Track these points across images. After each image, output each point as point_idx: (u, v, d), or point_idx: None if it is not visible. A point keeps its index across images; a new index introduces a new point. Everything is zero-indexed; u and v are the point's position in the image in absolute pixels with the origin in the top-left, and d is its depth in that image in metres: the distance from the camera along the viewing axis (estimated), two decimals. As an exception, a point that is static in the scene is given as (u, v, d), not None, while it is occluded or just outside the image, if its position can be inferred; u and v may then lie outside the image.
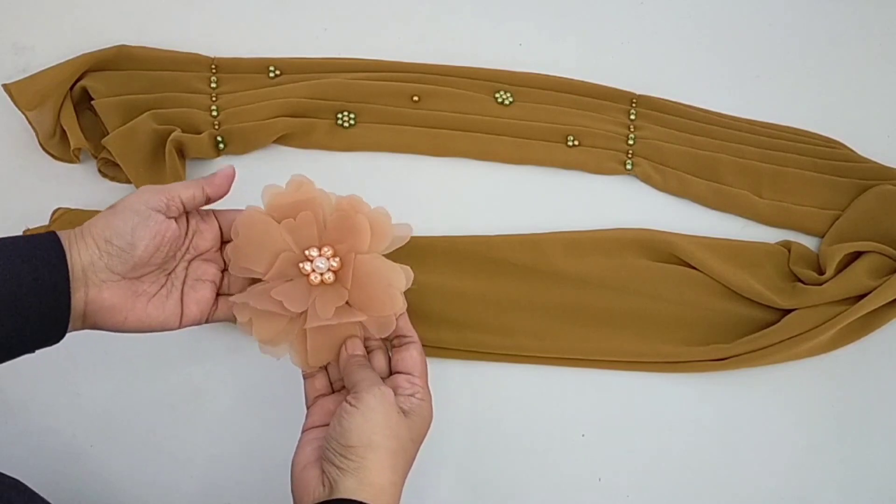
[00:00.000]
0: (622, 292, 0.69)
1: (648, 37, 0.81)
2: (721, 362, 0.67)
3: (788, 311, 0.68)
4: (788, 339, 0.66)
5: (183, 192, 0.50)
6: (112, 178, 0.72)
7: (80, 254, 0.46)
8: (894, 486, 0.66)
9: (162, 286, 0.50)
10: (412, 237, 0.55)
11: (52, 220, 0.69)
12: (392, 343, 0.55)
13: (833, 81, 0.79)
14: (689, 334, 0.69)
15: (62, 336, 0.48)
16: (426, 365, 0.53)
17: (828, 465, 0.66)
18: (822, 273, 0.69)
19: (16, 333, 0.44)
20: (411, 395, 0.51)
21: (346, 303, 0.51)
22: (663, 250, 0.71)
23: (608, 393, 0.68)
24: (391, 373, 0.54)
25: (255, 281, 0.52)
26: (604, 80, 0.77)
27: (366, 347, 0.54)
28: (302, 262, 0.50)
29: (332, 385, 0.54)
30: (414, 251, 0.67)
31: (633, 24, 0.81)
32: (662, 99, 0.77)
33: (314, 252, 0.50)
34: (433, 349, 0.67)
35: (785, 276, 0.70)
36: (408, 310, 0.55)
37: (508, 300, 0.69)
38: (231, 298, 0.51)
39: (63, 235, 0.46)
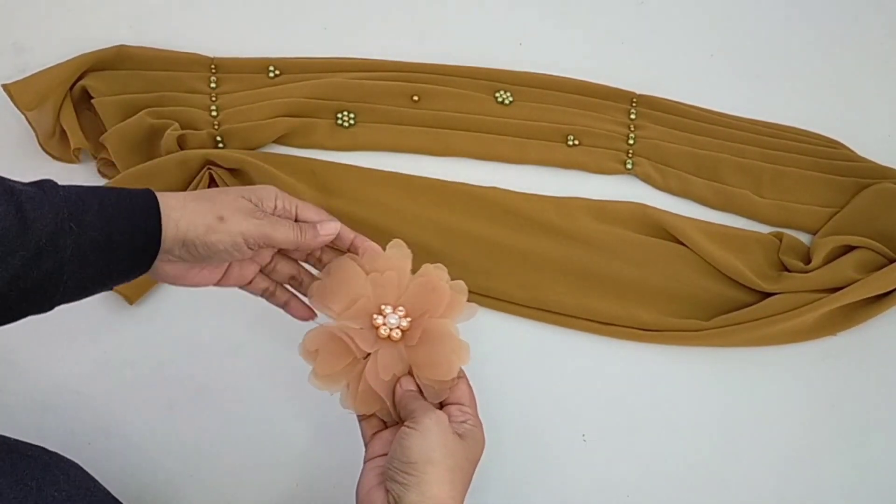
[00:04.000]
0: (608, 256, 0.70)
1: (648, 37, 0.81)
2: (696, 334, 0.67)
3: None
4: (765, 317, 0.66)
5: (280, 239, 0.53)
6: (112, 178, 0.72)
7: (166, 239, 0.49)
8: (888, 476, 0.66)
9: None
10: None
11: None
12: None
13: (833, 81, 0.79)
14: (669, 305, 0.69)
15: (131, 280, 0.51)
16: (475, 396, 0.56)
17: (826, 457, 0.66)
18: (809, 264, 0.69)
19: (100, 272, 0.48)
20: (463, 422, 0.53)
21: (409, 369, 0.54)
22: (656, 225, 0.71)
23: (604, 373, 0.68)
24: (442, 406, 0.56)
25: None
26: (604, 80, 0.77)
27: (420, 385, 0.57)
28: (376, 314, 0.53)
29: (386, 423, 0.56)
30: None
31: (633, 24, 0.81)
32: (663, 98, 0.77)
33: (388, 309, 0.53)
34: None
35: (773, 264, 0.70)
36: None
37: (499, 246, 0.69)
38: (306, 337, 0.54)
39: (162, 206, 0.49)
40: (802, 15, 0.82)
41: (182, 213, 0.50)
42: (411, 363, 0.54)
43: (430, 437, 0.49)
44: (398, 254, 0.56)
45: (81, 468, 0.52)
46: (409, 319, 0.54)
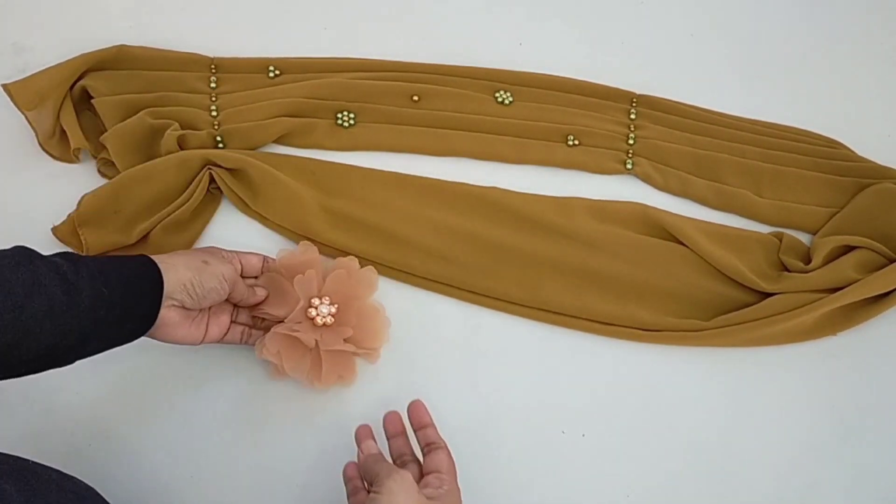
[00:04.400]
0: (608, 256, 0.69)
1: (648, 37, 0.81)
2: (696, 334, 0.67)
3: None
4: (765, 317, 0.66)
5: (239, 287, 0.63)
6: (112, 178, 0.71)
7: (168, 283, 0.57)
8: (888, 476, 0.66)
9: (200, 311, 0.61)
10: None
11: (78, 205, 0.69)
12: (424, 451, 0.59)
13: (833, 81, 0.79)
14: (668, 305, 0.69)
15: (136, 338, 0.58)
16: (454, 465, 0.57)
17: (826, 457, 0.66)
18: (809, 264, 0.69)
19: (120, 327, 0.55)
20: (438, 488, 0.55)
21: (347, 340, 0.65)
22: (656, 225, 0.71)
23: (604, 373, 0.68)
24: (422, 476, 0.57)
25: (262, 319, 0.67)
26: (604, 80, 0.77)
27: (401, 461, 0.59)
28: (309, 307, 0.64)
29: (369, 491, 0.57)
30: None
31: (633, 24, 0.81)
32: (663, 98, 0.77)
33: (317, 301, 0.64)
34: (424, 280, 0.69)
35: (773, 264, 0.70)
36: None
37: (499, 246, 0.69)
38: (261, 340, 0.64)
39: (157, 261, 0.58)
40: (802, 15, 0.82)
41: (176, 260, 0.58)
42: (352, 340, 0.64)
43: (394, 498, 0.50)
44: (308, 250, 0.67)
45: (96, 492, 0.53)
46: (336, 306, 0.64)
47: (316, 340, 0.63)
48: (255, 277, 0.66)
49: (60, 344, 0.51)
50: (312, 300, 0.64)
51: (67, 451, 0.64)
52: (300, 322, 0.63)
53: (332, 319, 0.64)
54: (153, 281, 0.56)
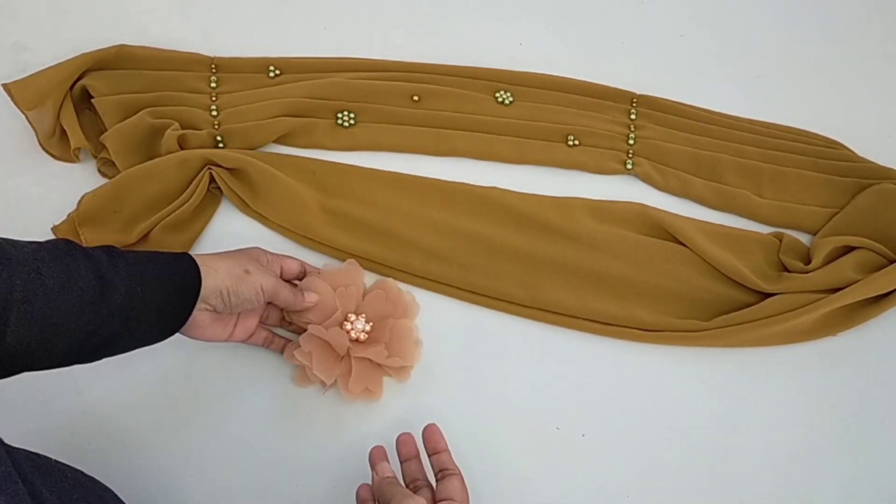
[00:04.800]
0: (608, 256, 0.69)
1: (648, 37, 0.81)
2: (696, 334, 0.67)
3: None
4: (765, 318, 0.66)
5: (282, 297, 0.62)
6: (112, 178, 0.72)
7: (206, 287, 0.57)
8: (888, 476, 0.66)
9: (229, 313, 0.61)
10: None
11: (78, 205, 0.69)
12: (437, 476, 0.58)
13: (833, 81, 0.79)
14: (669, 305, 0.69)
15: (165, 339, 0.58)
16: (468, 493, 0.57)
17: (826, 457, 0.66)
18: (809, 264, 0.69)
19: (151, 327, 0.55)
20: None
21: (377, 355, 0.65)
22: (656, 225, 0.71)
23: (604, 373, 0.68)
24: (435, 502, 0.56)
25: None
26: (604, 80, 0.77)
27: (414, 486, 0.58)
28: (345, 321, 0.65)
29: None
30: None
31: (633, 24, 0.81)
32: (663, 99, 0.77)
33: (353, 316, 0.65)
34: (424, 280, 0.69)
35: (773, 264, 0.70)
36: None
37: (499, 246, 0.69)
38: (298, 343, 0.65)
39: (200, 263, 0.57)
40: (802, 15, 0.83)
41: (219, 265, 0.58)
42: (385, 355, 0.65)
43: None
44: (354, 269, 0.68)
45: (114, 493, 0.53)
46: (371, 324, 0.66)
47: (348, 349, 0.64)
48: (297, 282, 0.66)
49: (89, 341, 0.51)
50: (349, 315, 0.65)
51: (67, 451, 0.63)
52: (335, 331, 0.65)
53: (366, 336, 0.65)
54: (190, 284, 0.56)
